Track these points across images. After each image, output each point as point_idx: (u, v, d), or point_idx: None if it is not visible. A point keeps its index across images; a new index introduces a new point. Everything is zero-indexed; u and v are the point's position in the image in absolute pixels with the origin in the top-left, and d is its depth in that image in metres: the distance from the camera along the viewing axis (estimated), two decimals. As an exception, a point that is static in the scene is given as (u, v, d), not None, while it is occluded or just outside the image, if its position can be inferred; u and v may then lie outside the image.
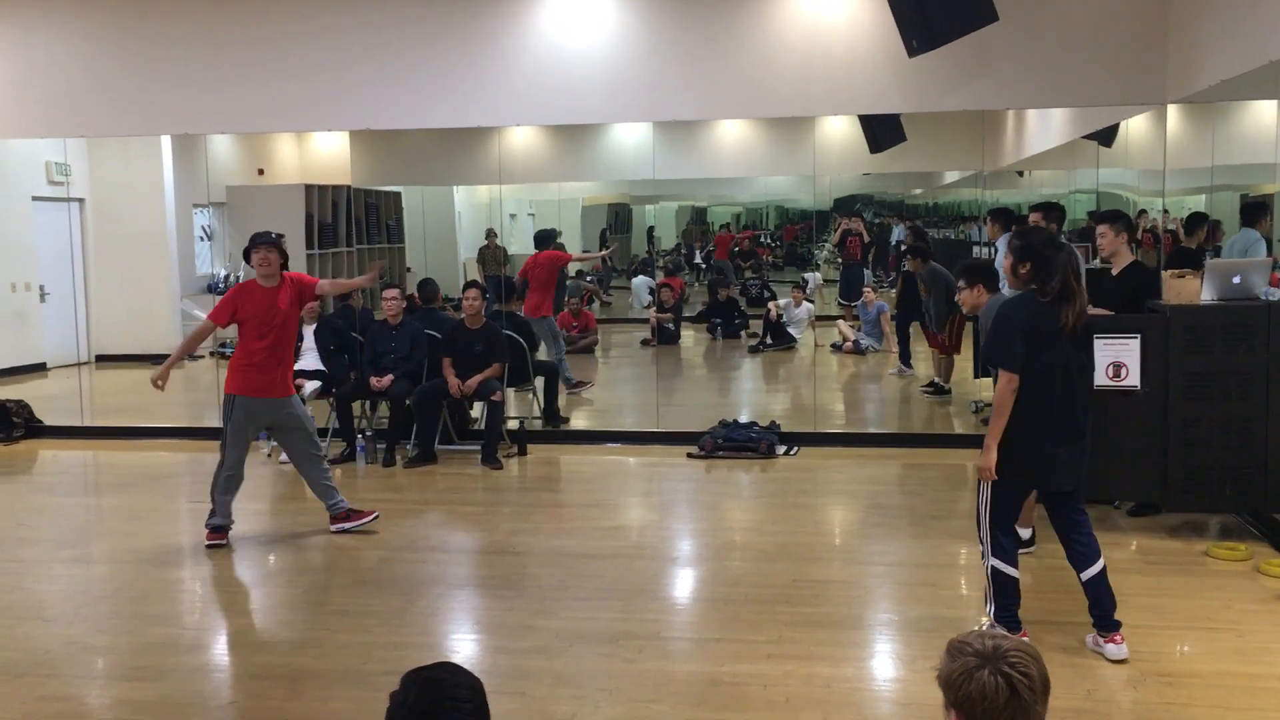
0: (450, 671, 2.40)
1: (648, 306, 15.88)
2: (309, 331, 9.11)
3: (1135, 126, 9.34)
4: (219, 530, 6.53)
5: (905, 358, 12.00)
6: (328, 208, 13.37)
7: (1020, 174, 12.95)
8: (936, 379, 10.91)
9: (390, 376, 8.73)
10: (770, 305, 14.34)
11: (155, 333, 13.28)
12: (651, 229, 19.79)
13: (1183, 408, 6.23)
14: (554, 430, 9.64)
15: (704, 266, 19.08)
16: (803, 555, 6.25)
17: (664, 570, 6.22)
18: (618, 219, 19.17)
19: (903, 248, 12.40)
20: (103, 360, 13.24)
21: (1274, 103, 8.36)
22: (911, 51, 7.36)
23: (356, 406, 9.07)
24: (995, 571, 4.76)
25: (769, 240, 20.63)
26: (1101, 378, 6.25)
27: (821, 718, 4.20)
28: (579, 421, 10.27)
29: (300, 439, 6.65)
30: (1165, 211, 9.93)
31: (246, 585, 6.19)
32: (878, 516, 7.19)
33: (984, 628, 4.76)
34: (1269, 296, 6.26)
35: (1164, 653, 4.77)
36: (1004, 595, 4.77)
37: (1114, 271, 6.85)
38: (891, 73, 8.33)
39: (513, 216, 16.42)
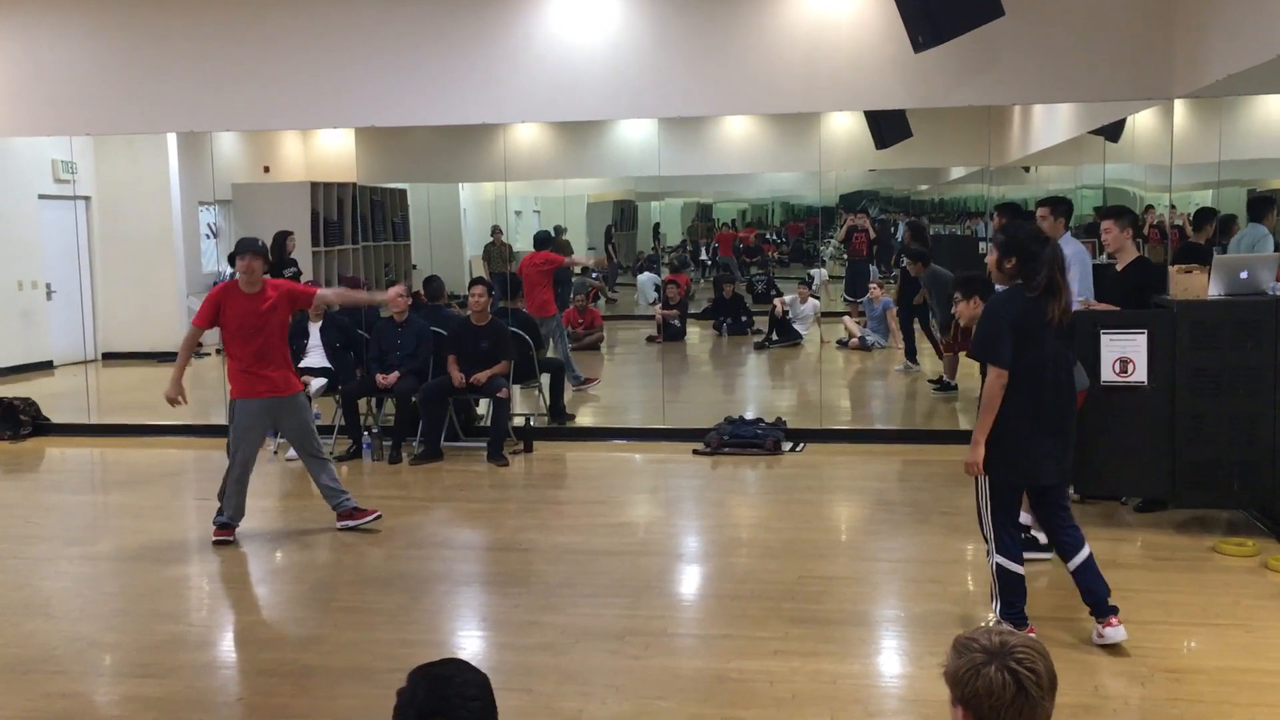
0: (458, 669, 2.39)
1: (653, 303, 15.87)
2: (315, 329, 9.12)
3: (1142, 121, 9.32)
4: (226, 527, 6.54)
5: (911, 354, 11.99)
6: (333, 205, 13.37)
7: (1026, 170, 12.91)
8: (943, 375, 10.90)
9: (396, 374, 8.73)
10: (776, 301, 14.33)
11: (161, 330, 13.28)
12: (657, 226, 19.78)
13: (1190, 403, 6.21)
14: (560, 427, 9.65)
15: (710, 263, 19.07)
16: (809, 552, 6.25)
17: (670, 567, 6.22)
18: (623, 216, 19.16)
19: (900, 253, 12.37)
20: (109, 358, 13.26)
21: (1281, 97, 8.35)
22: (917, 47, 7.35)
23: (362, 404, 9.08)
24: (1000, 569, 4.76)
25: (773, 237, 20.61)
26: (1108, 373, 6.25)
27: (828, 714, 4.20)
28: (585, 418, 10.27)
29: (303, 439, 6.66)
30: (1172, 207, 9.92)
31: (253, 582, 6.20)
32: (884, 513, 7.19)
33: (990, 624, 4.75)
34: (1276, 291, 6.24)
35: (1171, 648, 4.76)
36: (1009, 592, 4.76)
37: (1118, 267, 6.84)
38: (897, 68, 8.31)
39: (518, 213, 16.41)
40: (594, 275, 17.22)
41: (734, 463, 8.46)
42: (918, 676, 4.54)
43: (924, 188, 18.46)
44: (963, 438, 8.82)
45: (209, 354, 12.68)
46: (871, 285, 13.81)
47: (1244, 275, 6.32)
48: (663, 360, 12.73)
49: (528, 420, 9.45)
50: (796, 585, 5.64)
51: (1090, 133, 9.79)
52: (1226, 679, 4.44)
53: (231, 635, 5.36)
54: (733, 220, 20.34)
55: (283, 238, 11.42)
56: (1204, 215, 9.26)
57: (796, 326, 13.95)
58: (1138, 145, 9.70)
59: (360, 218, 13.48)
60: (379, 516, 6.77)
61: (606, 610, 5.34)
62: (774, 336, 13.97)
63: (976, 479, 4.79)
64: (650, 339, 14.47)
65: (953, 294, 5.98)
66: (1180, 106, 8.13)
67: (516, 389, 9.52)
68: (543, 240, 11.81)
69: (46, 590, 5.89)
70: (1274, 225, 8.05)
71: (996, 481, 4.73)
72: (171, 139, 13.29)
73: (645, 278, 17.49)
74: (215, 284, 6.76)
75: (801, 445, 8.80)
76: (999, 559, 4.75)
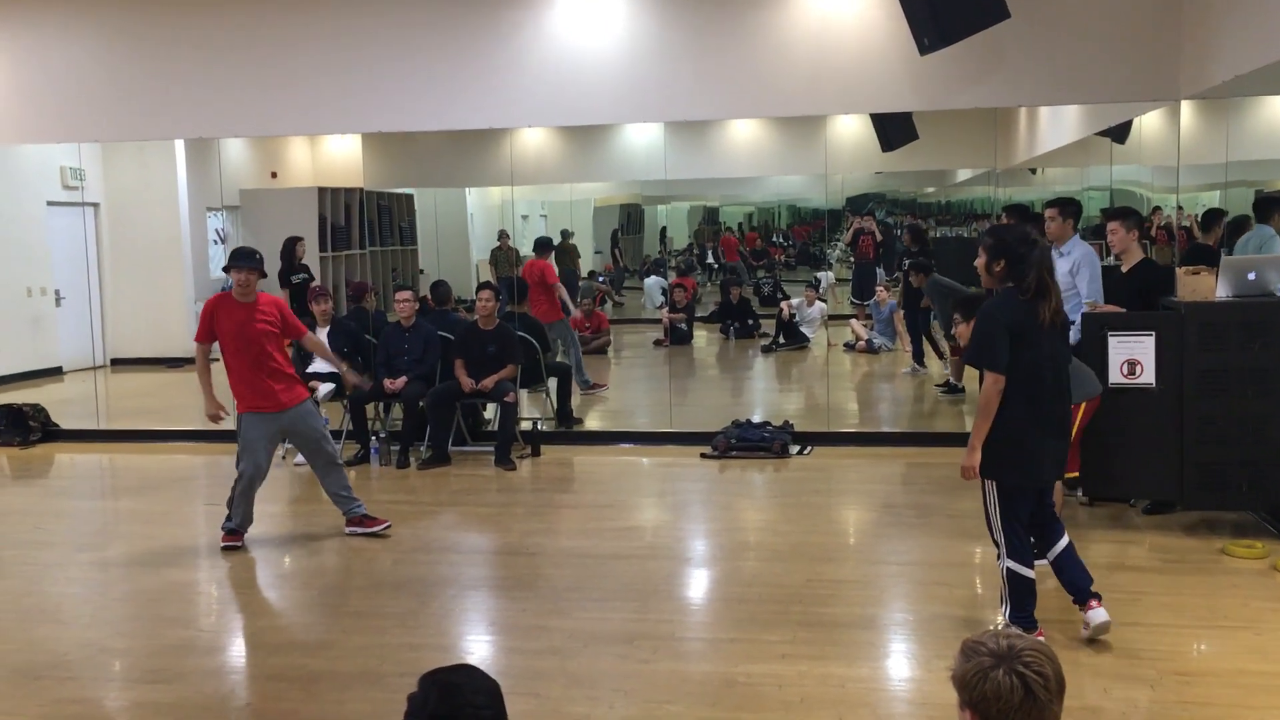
0: (469, 676, 2.39)
1: (660, 307, 15.88)
2: (323, 334, 9.14)
3: (1149, 123, 9.30)
4: (234, 533, 6.55)
5: (918, 356, 11.98)
6: (340, 210, 13.41)
7: (1033, 171, 12.90)
8: (950, 378, 10.89)
9: (404, 378, 8.75)
10: (783, 305, 14.33)
11: (170, 336, 13.35)
12: (664, 229, 19.79)
13: (1198, 405, 6.20)
14: (567, 431, 9.65)
15: (716, 266, 19.08)
16: (817, 555, 6.24)
17: (678, 570, 6.22)
18: (630, 219, 19.17)
19: (904, 261, 12.35)
20: (118, 364, 13.32)
21: (1289, 98, 8.33)
22: (923, 49, 7.34)
23: (370, 409, 9.10)
24: (1010, 573, 4.75)
25: (780, 240, 20.61)
26: (1116, 375, 6.24)
27: (836, 718, 4.19)
28: (592, 422, 10.27)
29: (313, 447, 6.66)
30: (1179, 208, 9.89)
31: (262, 587, 6.21)
32: (891, 516, 7.18)
33: (999, 628, 4.75)
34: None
35: (1181, 651, 4.75)
36: (1019, 596, 4.76)
37: (1124, 269, 6.83)
38: (903, 71, 8.31)
39: (525, 218, 16.43)
40: (600, 279, 17.23)
41: (741, 466, 8.46)
42: (926, 680, 4.54)
43: (930, 190, 18.44)
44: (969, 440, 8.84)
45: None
46: (878, 288, 13.81)
47: (1252, 277, 6.30)
48: (670, 364, 12.74)
49: (535, 424, 9.45)
50: (804, 588, 5.64)
51: (1097, 134, 9.78)
52: (1236, 681, 4.42)
53: (240, 640, 5.38)
54: (739, 224, 20.34)
55: (292, 243, 11.47)
56: (1212, 216, 9.23)
57: (803, 329, 13.95)
58: (1145, 147, 9.68)
59: (367, 223, 13.51)
60: (388, 527, 6.75)
61: (614, 614, 5.34)
62: (781, 340, 13.97)
63: (983, 484, 4.79)
64: (657, 342, 14.48)
65: (951, 314, 5.96)
66: (1187, 108, 8.11)
67: (523, 393, 9.53)
68: (543, 245, 11.82)
69: (56, 596, 5.91)
70: (1280, 226, 8.03)
71: (1005, 485, 4.73)
72: (179, 145, 13.35)
73: (652, 281, 17.49)
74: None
75: (809, 448, 8.80)
76: (1010, 563, 4.74)
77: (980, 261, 4.79)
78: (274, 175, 13.95)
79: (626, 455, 9.13)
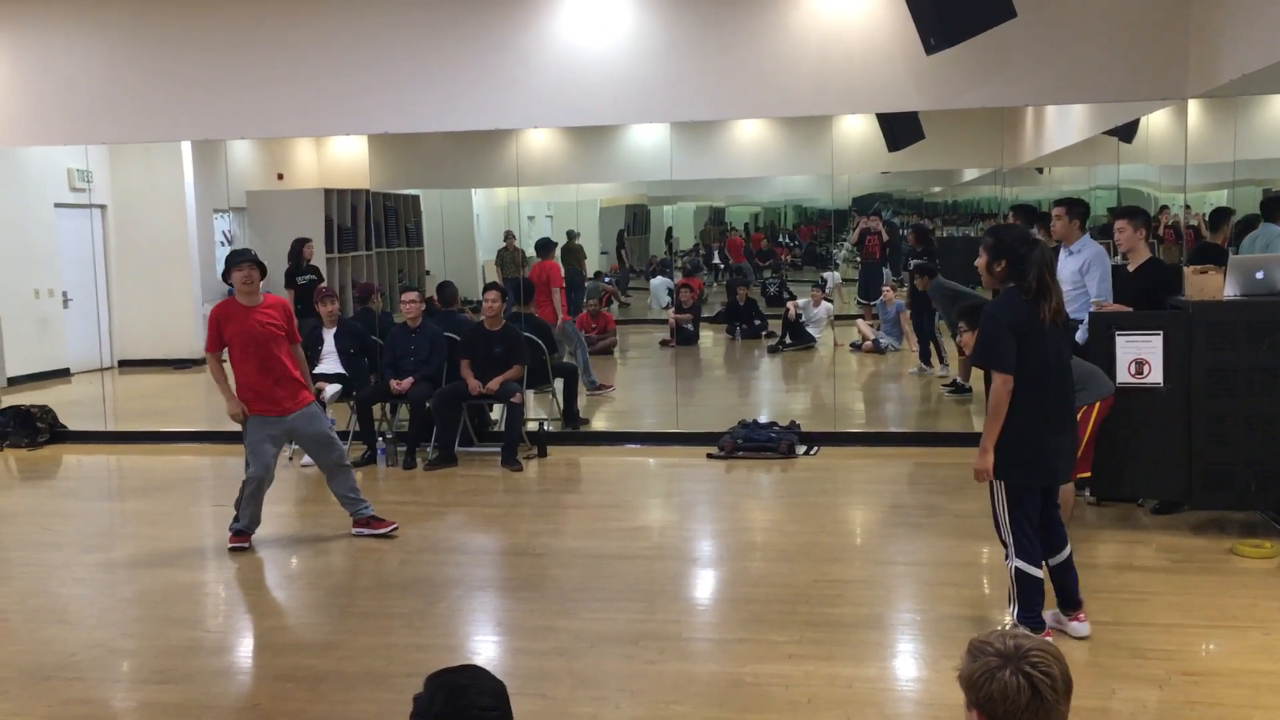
0: (474, 677, 2.39)
1: (666, 307, 15.88)
2: (329, 335, 9.15)
3: (1156, 122, 9.28)
4: (241, 534, 6.56)
5: (925, 356, 11.97)
6: (347, 212, 13.43)
7: (1040, 171, 12.88)
8: (956, 377, 10.88)
9: (410, 379, 8.75)
10: (789, 305, 14.32)
11: (177, 337, 13.38)
12: (670, 230, 19.80)
13: (1206, 404, 6.18)
14: (574, 432, 9.65)
15: (722, 267, 19.08)
16: (824, 555, 6.24)
17: (685, 571, 6.22)
18: (635, 220, 19.19)
19: (910, 262, 12.34)
20: (125, 365, 13.34)
21: (1296, 96, 8.30)
22: (929, 49, 7.33)
23: (377, 409, 9.10)
24: (1019, 573, 4.74)
25: (786, 240, 20.62)
26: (1124, 375, 6.23)
27: (844, 718, 4.19)
28: (599, 423, 10.27)
29: (321, 450, 6.66)
30: (1187, 207, 9.87)
31: (269, 588, 6.22)
32: (898, 516, 7.17)
33: (1006, 628, 4.74)
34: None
35: (1189, 651, 4.73)
36: (1027, 596, 4.75)
37: (1130, 268, 6.82)
38: (909, 71, 8.30)
39: (531, 219, 16.45)
40: (607, 280, 17.24)
41: (748, 466, 8.45)
42: (933, 680, 4.53)
43: (937, 190, 18.44)
44: (976, 440, 8.82)
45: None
46: (884, 288, 13.80)
47: (1260, 276, 6.28)
48: (676, 364, 12.74)
49: (541, 425, 9.46)
50: (811, 589, 5.63)
51: (1104, 133, 9.77)
52: (1245, 681, 4.41)
53: (247, 641, 5.38)
54: (745, 224, 20.35)
55: (300, 244, 11.49)
56: (1220, 215, 9.22)
57: (810, 330, 13.94)
58: (1152, 146, 9.67)
59: (373, 224, 13.54)
60: (396, 529, 6.74)
61: (621, 615, 5.34)
62: (787, 340, 13.96)
63: (992, 483, 4.79)
64: (663, 343, 14.48)
65: (956, 323, 5.96)
66: (1195, 107, 8.09)
67: (530, 394, 9.53)
68: (543, 246, 11.83)
69: (64, 597, 5.92)
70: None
71: (1014, 485, 4.72)
72: (186, 147, 13.38)
73: (658, 282, 17.50)
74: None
75: (815, 448, 8.79)
76: (1018, 563, 4.73)
77: (981, 261, 4.80)
78: (280, 177, 13.97)
79: (633, 456, 9.13)
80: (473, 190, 15.36)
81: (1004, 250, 4.70)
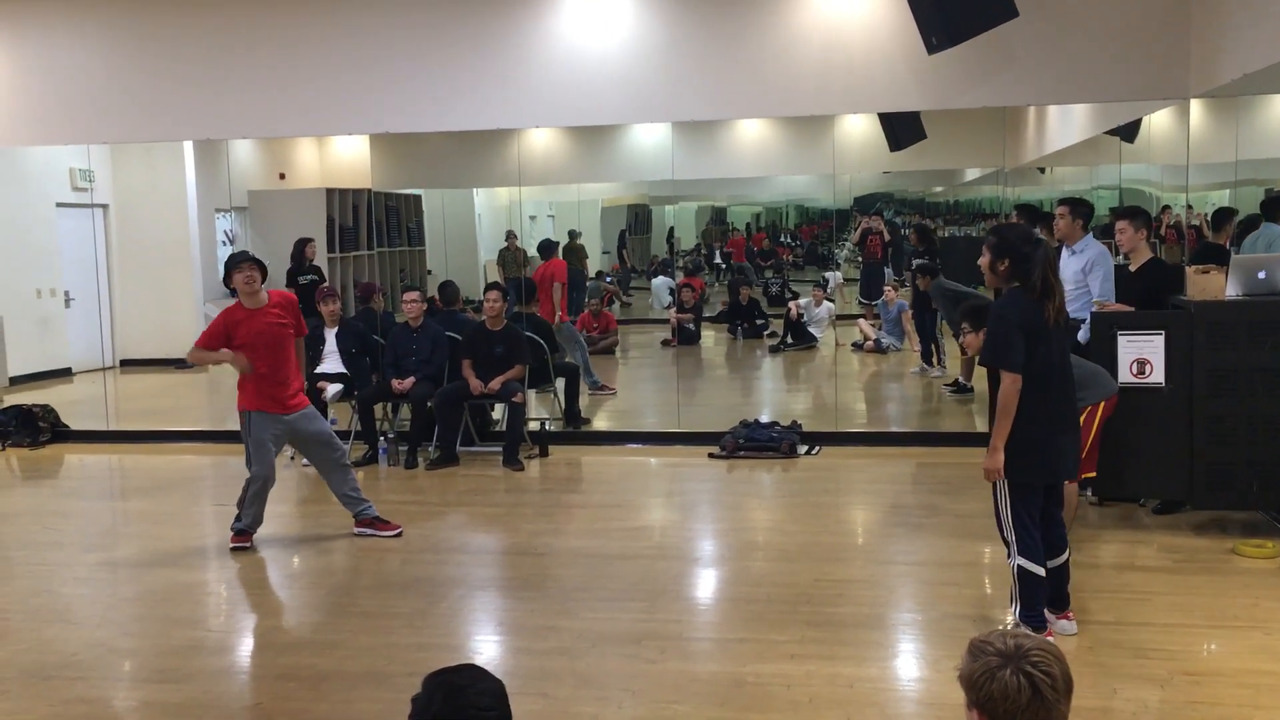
0: (473, 676, 2.39)
1: (668, 307, 15.88)
2: (331, 335, 9.15)
3: (1158, 121, 9.28)
4: (243, 533, 6.56)
5: (927, 356, 11.96)
6: (348, 211, 13.43)
7: (1042, 171, 12.88)
8: (959, 377, 10.88)
9: (412, 379, 8.76)
10: (791, 305, 14.32)
11: (178, 337, 13.34)
12: (671, 229, 19.80)
13: (1208, 404, 6.17)
14: (575, 431, 9.66)
15: (724, 266, 19.08)
16: (825, 555, 6.24)
17: (686, 571, 6.22)
18: (637, 220, 19.19)
19: (913, 262, 12.33)
20: (127, 365, 13.34)
21: (1298, 96, 8.30)
22: (931, 48, 7.33)
23: (378, 409, 9.10)
24: (1022, 570, 4.74)
25: (787, 240, 20.61)
26: (1126, 374, 6.22)
27: (845, 718, 4.19)
28: (600, 422, 10.27)
29: (321, 450, 6.66)
30: (1189, 207, 9.87)
31: (270, 587, 6.22)
32: (899, 515, 7.17)
33: (1008, 627, 4.74)
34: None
35: (1191, 651, 4.73)
36: (1030, 594, 4.75)
37: (1132, 268, 6.81)
38: (911, 70, 8.30)
39: (533, 218, 16.45)
40: (608, 279, 17.24)
41: (749, 466, 8.45)
42: (934, 680, 4.52)
43: (939, 189, 18.42)
44: (978, 440, 8.82)
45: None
46: (886, 288, 13.79)
47: (1262, 275, 6.28)
48: (678, 364, 12.73)
49: (543, 425, 9.46)
50: (813, 588, 5.63)
51: (1106, 133, 9.77)
52: (1247, 681, 4.41)
53: (249, 640, 5.38)
54: (746, 224, 20.34)
55: (303, 244, 11.50)
56: (1223, 215, 9.21)
57: (811, 329, 13.94)
58: (1154, 145, 9.66)
59: (375, 224, 13.53)
60: (400, 533, 6.72)
61: (623, 614, 5.34)
62: (789, 339, 13.96)
63: (995, 481, 4.79)
64: (665, 343, 14.48)
65: (960, 323, 5.96)
66: (1197, 106, 8.09)
67: (531, 393, 9.53)
68: (546, 248, 11.83)
69: (65, 596, 5.92)
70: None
71: (1018, 483, 4.73)
72: (188, 147, 13.38)
73: (660, 282, 17.50)
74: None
75: (817, 448, 8.79)
76: (1021, 560, 4.74)
77: (984, 260, 4.81)
78: (282, 176, 13.97)
79: (634, 455, 9.13)
80: (474, 190, 15.36)
81: (1007, 249, 4.72)
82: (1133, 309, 6.51)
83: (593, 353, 12.52)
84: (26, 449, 9.70)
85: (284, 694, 4.58)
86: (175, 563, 6.42)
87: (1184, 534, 6.33)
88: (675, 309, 14.76)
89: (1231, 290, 6.29)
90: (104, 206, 13.41)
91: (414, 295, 9.18)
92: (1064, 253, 6.97)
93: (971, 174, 15.13)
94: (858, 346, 13.63)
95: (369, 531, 6.69)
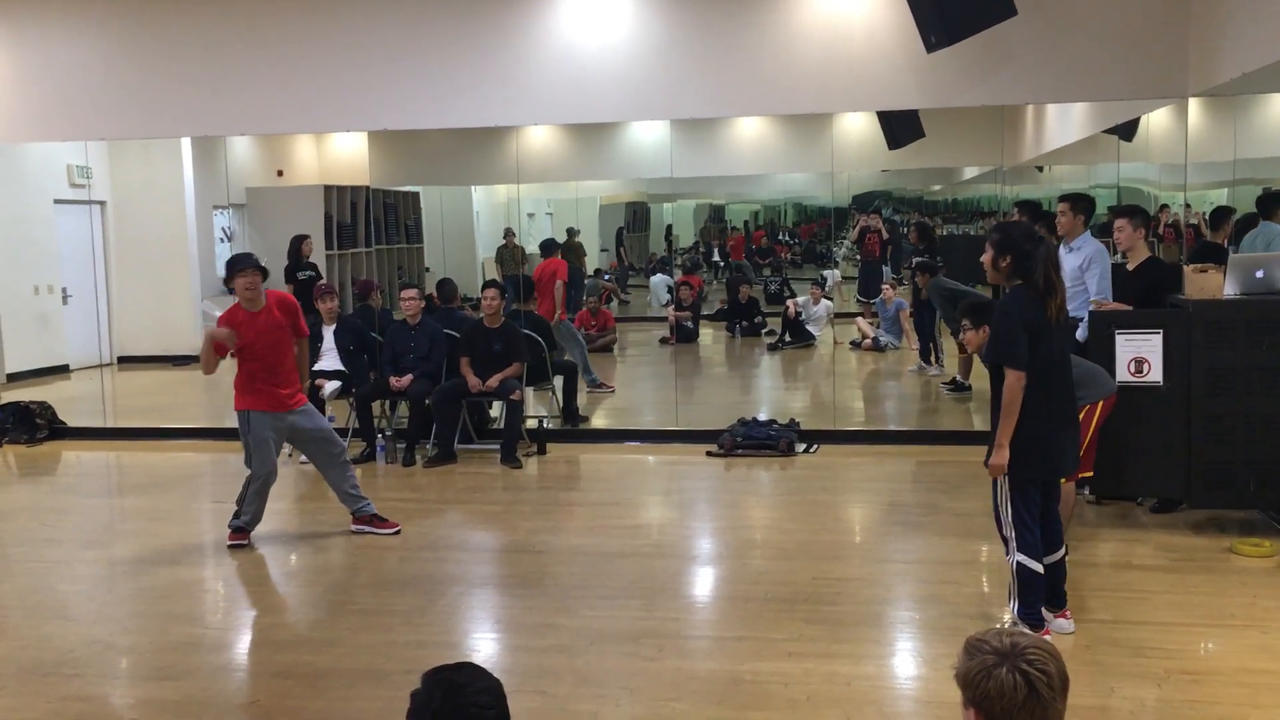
0: (471, 675, 2.39)
1: (666, 305, 15.88)
2: (329, 332, 9.15)
3: (1156, 120, 9.28)
4: (241, 531, 6.56)
5: (925, 355, 11.97)
6: (346, 208, 13.43)
7: (1040, 169, 12.88)
8: (956, 375, 10.88)
9: (410, 376, 8.75)
10: (789, 303, 14.32)
11: (176, 334, 13.36)
12: (669, 227, 19.80)
13: (1206, 403, 6.18)
14: (573, 429, 9.65)
15: (722, 264, 19.08)
16: (823, 553, 6.24)
17: (684, 569, 6.22)
18: (635, 217, 19.18)
19: (914, 259, 12.34)
20: (124, 362, 13.33)
21: (1297, 95, 8.30)
22: (930, 47, 7.33)
23: (376, 406, 9.09)
24: (1020, 567, 4.75)
25: (786, 238, 20.61)
26: (1123, 373, 6.23)
27: (843, 716, 4.19)
28: (598, 420, 10.28)
29: (320, 447, 6.66)
30: (1187, 206, 9.87)
31: (268, 585, 6.22)
32: (898, 514, 7.17)
33: (1006, 625, 4.75)
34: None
35: (1188, 650, 4.74)
36: (1028, 591, 4.76)
37: (1130, 267, 6.81)
38: (909, 68, 8.30)
39: (531, 216, 16.44)
40: (606, 277, 17.24)
41: (747, 464, 8.45)
42: (932, 678, 4.53)
43: (937, 188, 18.43)
44: (976, 438, 8.83)
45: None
46: (884, 286, 13.79)
47: (1260, 274, 6.28)
48: (676, 362, 12.74)
49: (541, 422, 9.46)
50: (811, 587, 5.64)
51: (1104, 132, 9.77)
52: (1244, 680, 4.41)
53: (247, 637, 5.38)
54: (745, 222, 20.35)
55: (299, 241, 11.50)
56: (1221, 214, 9.22)
57: (809, 328, 13.94)
58: (1152, 144, 9.66)
59: (373, 221, 13.53)
60: (398, 531, 6.72)
61: (621, 612, 5.34)
62: (787, 338, 13.96)
63: (995, 479, 4.81)
64: (663, 340, 14.48)
65: (959, 320, 5.96)
66: (1195, 105, 8.09)
67: (529, 391, 9.53)
68: (549, 247, 11.83)
69: (63, 593, 5.92)
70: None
71: (1019, 479, 4.74)
72: (186, 144, 13.36)
73: (658, 279, 17.50)
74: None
75: (815, 446, 8.79)
76: (1020, 557, 4.75)
77: (987, 257, 4.83)
78: (280, 173, 13.97)
79: (632, 453, 9.13)
80: (473, 187, 15.36)
81: (1009, 246, 4.74)
82: (1130, 308, 6.51)
83: (591, 351, 12.52)
84: (24, 446, 9.69)
85: (282, 691, 4.58)
86: (173, 560, 6.42)
87: (1182, 533, 6.33)
88: (673, 307, 14.76)
89: (1229, 289, 6.29)
90: (102, 203, 13.40)
91: (412, 293, 9.18)
92: (1061, 249, 6.96)
93: (970, 172, 15.14)
94: (856, 345, 13.63)
95: (366, 529, 6.69)
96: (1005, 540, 4.85)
